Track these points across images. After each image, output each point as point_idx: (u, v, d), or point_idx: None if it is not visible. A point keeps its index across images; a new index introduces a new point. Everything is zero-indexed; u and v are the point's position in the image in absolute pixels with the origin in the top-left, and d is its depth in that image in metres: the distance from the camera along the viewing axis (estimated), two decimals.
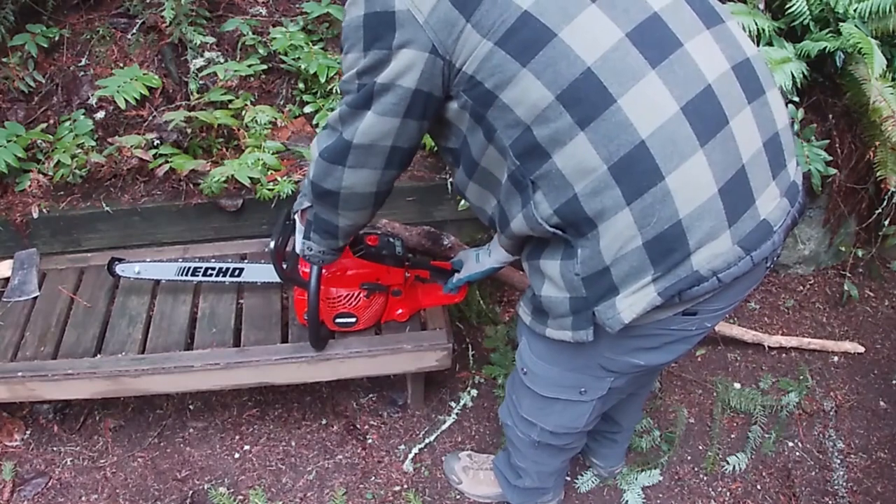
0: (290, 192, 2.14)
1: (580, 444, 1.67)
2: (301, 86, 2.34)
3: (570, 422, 1.48)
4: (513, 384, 1.57)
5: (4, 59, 2.26)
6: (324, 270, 1.63)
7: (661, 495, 2.01)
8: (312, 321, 1.71)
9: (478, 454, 2.03)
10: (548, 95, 1.02)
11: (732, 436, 2.16)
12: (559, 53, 1.01)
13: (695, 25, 1.08)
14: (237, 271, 1.96)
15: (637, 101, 1.01)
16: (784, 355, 2.40)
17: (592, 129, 1.02)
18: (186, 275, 1.97)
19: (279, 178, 2.16)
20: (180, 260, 1.99)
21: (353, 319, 1.82)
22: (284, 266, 1.65)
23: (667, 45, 1.04)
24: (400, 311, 1.89)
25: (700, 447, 2.13)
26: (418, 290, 1.94)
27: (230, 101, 2.24)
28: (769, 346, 2.36)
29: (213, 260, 2.00)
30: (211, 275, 1.97)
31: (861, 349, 2.40)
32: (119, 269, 1.99)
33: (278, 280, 1.73)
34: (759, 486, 2.04)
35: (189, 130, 2.22)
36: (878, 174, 2.20)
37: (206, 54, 2.29)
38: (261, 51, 2.32)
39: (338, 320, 1.81)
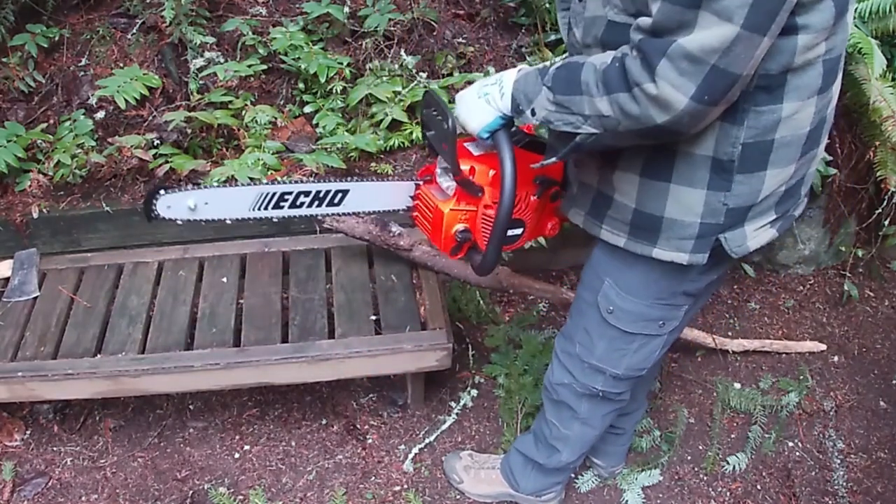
0: None
1: (628, 397, 1.66)
2: (301, 86, 2.34)
3: (641, 361, 1.50)
4: (584, 332, 1.52)
5: (4, 59, 2.26)
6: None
7: (661, 495, 2.01)
8: (502, 225, 1.33)
9: (479, 454, 2.03)
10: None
11: (732, 436, 2.16)
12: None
13: None
14: (339, 196, 1.53)
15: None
16: (784, 355, 2.40)
17: (822, 96, 1.14)
18: (267, 207, 1.48)
19: (279, 178, 2.16)
20: (264, 181, 1.50)
21: (521, 230, 1.47)
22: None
23: None
24: (551, 224, 1.55)
25: (700, 447, 2.13)
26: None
27: (230, 101, 2.24)
28: (733, 351, 2.36)
29: (308, 182, 1.52)
30: (302, 204, 1.51)
31: (823, 347, 2.40)
32: (161, 205, 1.39)
33: (386, 208, 1.49)
34: (759, 486, 2.04)
35: (189, 130, 2.22)
36: (878, 174, 2.20)
37: (206, 54, 2.29)
38: (261, 51, 2.32)
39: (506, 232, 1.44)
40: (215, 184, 1.45)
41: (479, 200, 1.39)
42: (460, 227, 1.41)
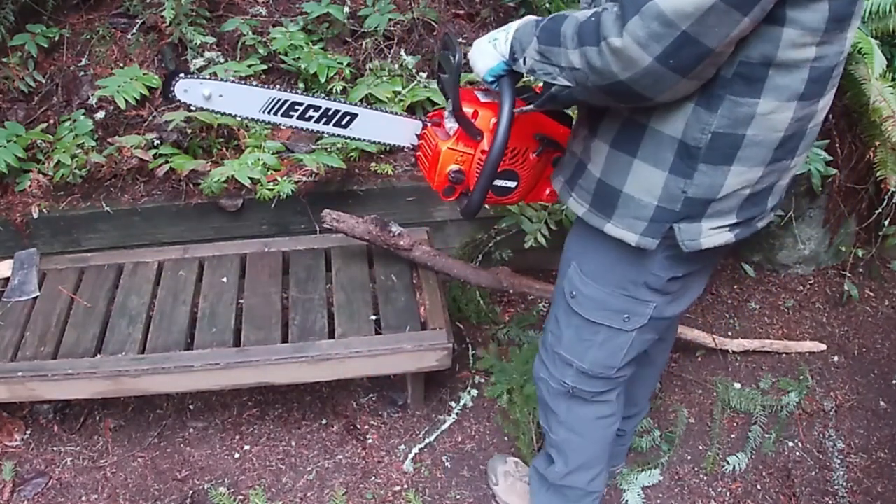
0: (290, 192, 2.14)
1: (608, 403, 1.60)
2: (301, 86, 2.34)
3: (607, 358, 1.47)
4: (554, 320, 1.53)
5: (4, 59, 2.26)
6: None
7: (661, 495, 2.01)
8: (492, 166, 1.34)
9: (524, 465, 2.00)
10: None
11: (732, 436, 2.16)
12: None
13: None
14: (347, 118, 1.56)
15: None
16: (784, 355, 2.40)
17: (804, 104, 1.13)
18: (276, 112, 1.53)
19: (279, 178, 2.16)
20: (277, 87, 1.54)
21: (514, 183, 1.49)
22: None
23: None
24: (549, 190, 1.56)
25: (700, 447, 2.13)
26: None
27: None
28: (733, 351, 2.36)
29: (319, 97, 1.54)
30: (311, 118, 1.55)
31: (823, 347, 2.40)
32: (180, 88, 1.47)
33: (392, 141, 1.52)
34: (759, 486, 2.04)
35: (189, 130, 2.22)
36: (878, 174, 2.20)
37: (206, 54, 2.29)
38: (261, 51, 2.32)
39: (497, 182, 1.47)
40: (231, 77, 1.53)
41: (477, 144, 1.42)
42: (454, 167, 1.44)
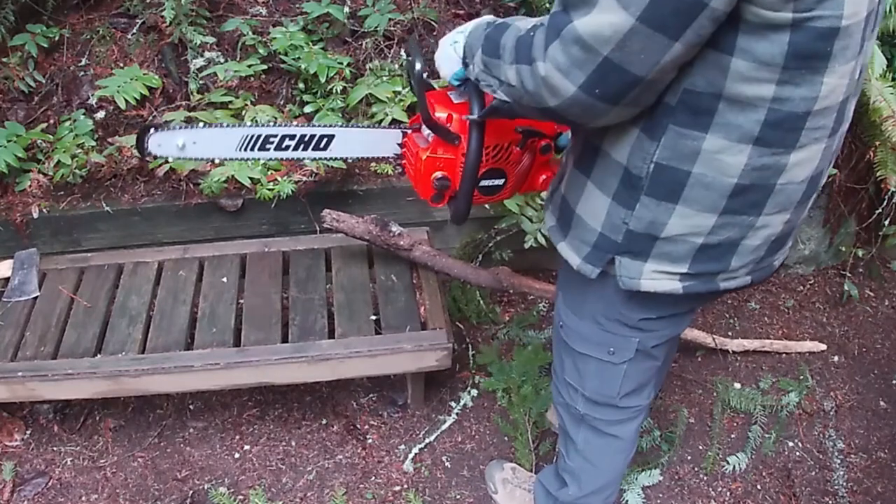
0: (290, 192, 2.14)
1: (624, 435, 1.57)
2: (301, 86, 2.34)
3: (605, 387, 1.45)
4: (557, 347, 1.53)
5: (4, 59, 2.26)
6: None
7: (661, 495, 2.01)
8: (470, 175, 1.32)
9: (522, 470, 1.99)
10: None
11: (732, 436, 2.16)
12: None
13: None
14: (325, 140, 1.54)
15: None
16: (784, 355, 2.40)
17: (762, 151, 1.03)
18: (252, 148, 1.52)
19: (279, 178, 2.16)
20: (248, 125, 1.54)
21: (502, 181, 1.45)
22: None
23: None
24: (544, 176, 1.52)
25: (700, 447, 2.13)
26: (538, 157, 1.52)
27: (230, 101, 2.24)
28: (733, 351, 2.36)
29: (291, 125, 1.54)
30: (288, 147, 1.53)
31: (823, 347, 2.40)
32: (153, 143, 1.48)
33: (373, 154, 1.49)
34: (759, 486, 2.04)
35: None
36: (878, 174, 2.20)
37: (206, 54, 2.29)
38: (261, 51, 2.32)
39: (483, 182, 1.43)
40: (202, 124, 1.52)
41: (457, 149, 1.38)
42: (438, 174, 1.41)
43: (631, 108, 0.98)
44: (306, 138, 1.52)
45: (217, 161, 1.56)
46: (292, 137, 1.51)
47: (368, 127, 1.57)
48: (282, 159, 1.57)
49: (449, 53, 1.22)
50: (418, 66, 1.30)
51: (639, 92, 0.94)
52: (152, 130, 1.47)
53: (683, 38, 0.88)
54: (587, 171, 1.16)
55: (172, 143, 1.49)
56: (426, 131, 1.43)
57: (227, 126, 1.51)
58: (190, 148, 1.49)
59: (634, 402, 1.50)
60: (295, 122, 1.55)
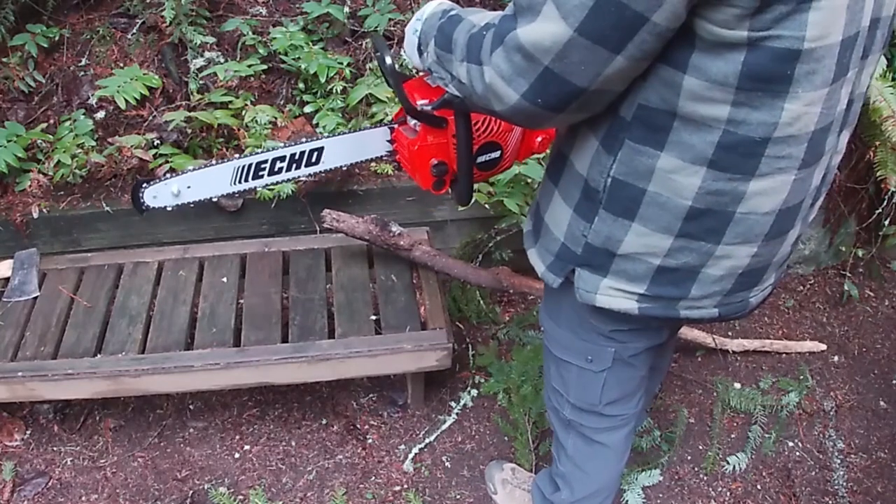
0: (290, 192, 2.14)
1: (612, 443, 1.56)
2: (301, 86, 2.34)
3: (587, 394, 1.44)
4: (544, 353, 1.53)
5: (4, 59, 2.26)
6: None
7: (661, 495, 2.01)
8: (465, 151, 1.30)
9: (522, 470, 1.99)
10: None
11: (732, 436, 2.16)
12: None
13: None
14: (315, 154, 1.54)
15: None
16: (784, 355, 2.40)
17: (717, 175, 1.01)
18: (247, 178, 1.53)
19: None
20: (236, 157, 1.53)
21: (498, 153, 1.43)
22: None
23: None
24: (540, 138, 1.49)
25: (700, 447, 2.13)
26: None
27: (230, 101, 2.24)
28: (733, 351, 2.36)
29: (278, 148, 1.54)
30: (281, 170, 1.54)
31: (823, 347, 2.40)
32: (148, 196, 1.48)
33: (367, 157, 1.48)
34: (759, 486, 2.04)
35: (189, 130, 2.22)
36: (878, 174, 2.20)
37: (206, 54, 2.29)
38: (261, 51, 2.32)
39: (481, 159, 1.41)
40: (191, 168, 1.52)
41: (446, 132, 1.36)
42: (434, 161, 1.40)
43: (577, 114, 0.96)
44: (296, 156, 1.52)
45: (214, 199, 1.59)
46: (283, 159, 1.51)
47: (355, 131, 1.56)
48: (279, 182, 1.58)
49: (411, 40, 1.17)
50: (388, 60, 1.27)
51: (583, 101, 0.93)
52: (144, 185, 1.47)
53: (625, 52, 0.86)
54: (555, 180, 1.15)
55: (167, 192, 1.49)
56: (412, 122, 1.42)
57: (216, 164, 1.51)
58: (186, 193, 1.50)
59: (620, 411, 1.49)
60: (282, 143, 1.57)
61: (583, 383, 1.42)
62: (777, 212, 1.02)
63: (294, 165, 1.53)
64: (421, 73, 1.32)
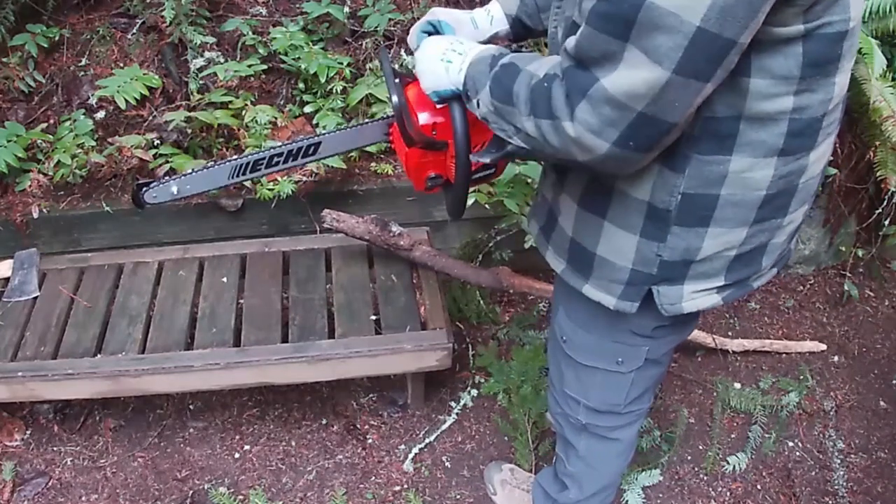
0: (290, 191, 2.14)
1: (626, 438, 1.57)
2: (301, 86, 2.34)
3: (612, 397, 1.43)
4: (555, 359, 1.50)
5: (4, 59, 2.26)
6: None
7: (661, 495, 2.01)
8: (463, 168, 1.27)
9: (521, 471, 1.99)
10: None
11: (732, 436, 2.16)
12: None
13: None
14: (312, 148, 1.56)
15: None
16: (784, 355, 2.40)
17: (786, 160, 1.05)
18: (245, 173, 1.57)
19: (279, 178, 2.16)
20: (234, 157, 1.57)
21: (492, 169, 1.43)
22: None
23: None
24: None
25: (700, 447, 2.13)
26: None
27: (230, 101, 2.24)
28: (733, 351, 2.36)
29: (276, 146, 1.57)
30: (278, 163, 1.57)
31: (823, 347, 2.40)
32: (149, 196, 1.55)
33: (363, 143, 1.51)
34: (759, 486, 2.04)
35: (189, 130, 2.22)
36: (878, 174, 2.20)
37: (206, 54, 2.29)
38: (261, 51, 2.32)
39: (476, 176, 1.39)
40: (191, 170, 1.58)
41: (445, 153, 1.34)
42: (431, 174, 1.38)
43: (659, 150, 0.97)
44: (294, 150, 1.54)
45: (212, 191, 1.69)
46: (280, 155, 1.54)
47: (353, 127, 1.57)
48: (275, 172, 1.61)
49: (438, 70, 1.14)
50: (395, 99, 1.24)
51: (672, 135, 0.94)
52: (146, 187, 1.53)
53: (714, 78, 0.88)
54: (601, 212, 1.13)
55: (167, 192, 1.56)
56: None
57: (215, 165, 1.54)
58: (184, 190, 1.57)
59: (637, 407, 1.49)
60: (280, 142, 1.60)
61: (608, 386, 1.42)
62: (821, 171, 1.11)
63: (292, 159, 1.57)
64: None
